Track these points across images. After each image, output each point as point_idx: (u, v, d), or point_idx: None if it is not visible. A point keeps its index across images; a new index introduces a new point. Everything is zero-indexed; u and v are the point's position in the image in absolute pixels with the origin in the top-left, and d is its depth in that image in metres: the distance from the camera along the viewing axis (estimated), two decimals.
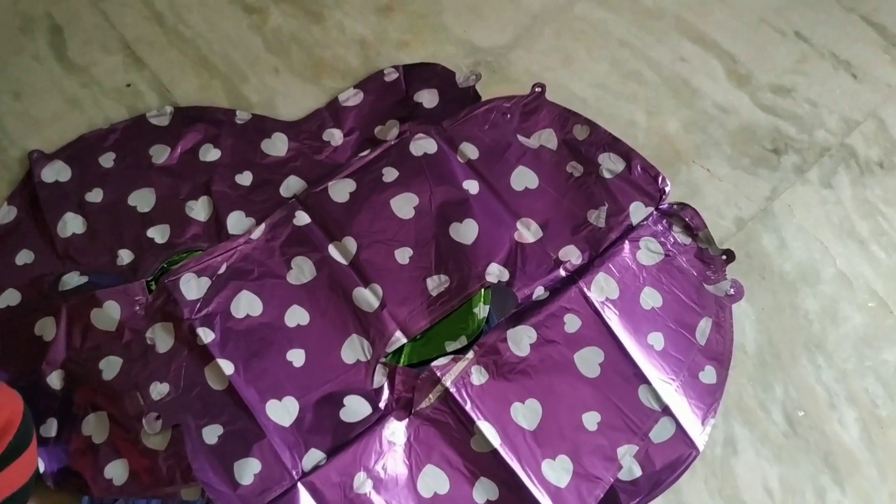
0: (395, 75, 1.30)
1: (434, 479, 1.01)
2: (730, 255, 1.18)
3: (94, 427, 1.01)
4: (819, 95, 1.37)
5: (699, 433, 1.08)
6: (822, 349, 1.17)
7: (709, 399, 1.10)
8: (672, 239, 1.18)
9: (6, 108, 1.24)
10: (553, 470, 1.03)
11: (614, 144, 1.24)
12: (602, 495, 1.03)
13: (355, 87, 1.29)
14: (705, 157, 1.30)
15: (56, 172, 1.18)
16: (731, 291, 1.16)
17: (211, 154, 1.20)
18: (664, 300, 1.13)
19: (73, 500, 0.99)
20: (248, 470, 0.97)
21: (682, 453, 1.07)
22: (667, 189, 1.20)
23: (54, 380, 1.03)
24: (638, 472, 1.05)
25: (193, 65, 1.30)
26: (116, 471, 0.99)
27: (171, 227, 1.14)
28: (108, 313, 1.05)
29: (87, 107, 1.25)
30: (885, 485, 1.09)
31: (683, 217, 1.19)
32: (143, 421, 1.00)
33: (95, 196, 1.17)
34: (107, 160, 1.19)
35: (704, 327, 1.13)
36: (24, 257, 1.12)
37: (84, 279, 1.10)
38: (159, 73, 1.29)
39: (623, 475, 1.05)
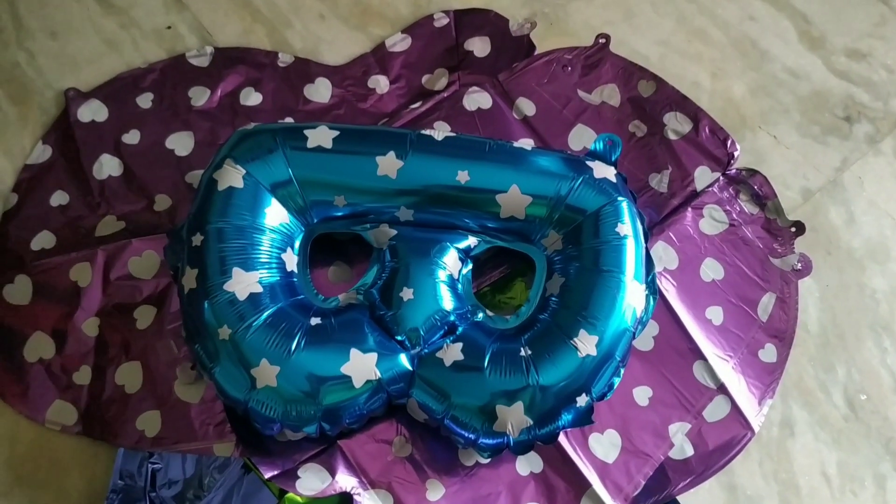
0: (445, 21, 1.23)
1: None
2: (799, 228, 1.11)
3: (127, 376, 0.98)
4: None
5: (755, 414, 1.03)
6: (889, 331, 1.11)
7: (767, 378, 1.04)
8: (738, 208, 1.11)
9: (42, 47, 1.19)
10: (600, 444, 0.99)
11: (682, 103, 1.17)
12: (651, 473, 0.98)
13: (403, 31, 1.23)
14: (772, 123, 1.22)
15: (92, 112, 1.13)
16: (799, 266, 1.09)
17: (252, 98, 1.15)
18: (726, 273, 1.07)
19: (109, 451, 0.96)
20: (283, 433, 0.94)
21: (736, 434, 1.01)
22: (736, 154, 1.13)
23: (89, 327, 1.00)
24: (690, 452, 1.00)
25: (236, 8, 1.24)
26: (148, 422, 0.96)
27: None
28: (147, 261, 1.01)
29: (125, 49, 1.19)
30: None
31: (752, 185, 1.12)
32: (178, 370, 0.97)
33: (132, 138, 1.12)
34: (144, 101, 1.15)
35: (767, 303, 1.07)
36: (58, 198, 1.08)
37: (121, 224, 1.06)
38: (200, 16, 1.23)
39: (674, 453, 1.00)
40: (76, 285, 1.02)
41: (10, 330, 1.01)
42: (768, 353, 1.05)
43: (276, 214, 0.95)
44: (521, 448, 0.90)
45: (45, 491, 0.96)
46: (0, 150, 1.12)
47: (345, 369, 0.88)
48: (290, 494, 0.91)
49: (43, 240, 1.05)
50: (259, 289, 0.90)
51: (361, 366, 0.88)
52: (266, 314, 0.89)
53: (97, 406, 0.97)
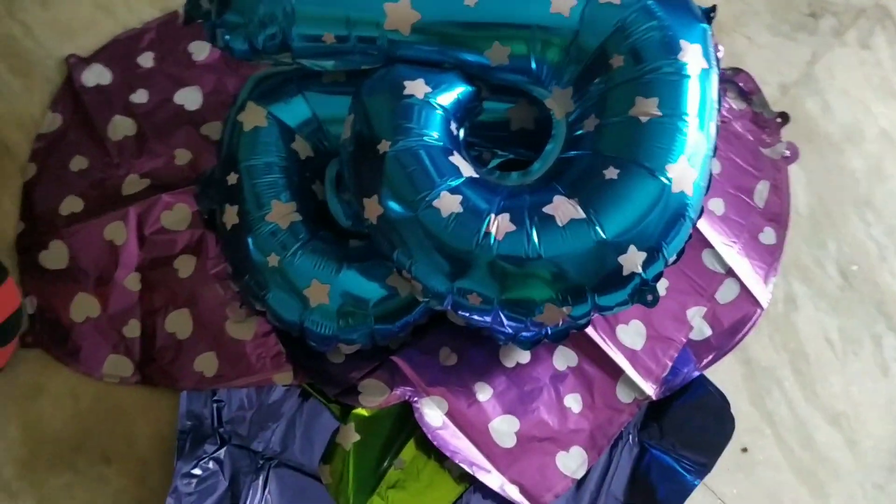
0: None
1: (516, 350, 1.04)
2: (784, 118, 1.19)
3: (177, 324, 1.02)
4: None
5: (762, 291, 1.11)
6: (870, 206, 1.21)
7: (769, 258, 1.13)
8: (727, 105, 1.18)
9: (35, 17, 1.19)
10: (627, 334, 1.06)
11: None
12: (676, 355, 1.07)
13: None
14: (745, 25, 1.30)
15: (97, 76, 1.15)
16: (787, 153, 1.18)
17: None
18: (722, 166, 1.15)
19: (171, 396, 1.01)
20: (338, 350, 0.99)
21: (747, 311, 1.10)
22: (719, 54, 1.20)
23: (131, 282, 1.04)
24: (708, 332, 1.09)
25: None
26: (205, 363, 1.00)
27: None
28: (178, 214, 1.05)
29: (118, 11, 1.20)
30: None
31: (737, 82, 1.20)
32: (227, 310, 1.01)
33: (140, 97, 1.14)
34: (146, 60, 1.16)
35: (762, 190, 1.15)
36: (78, 163, 1.10)
37: (146, 182, 1.08)
38: None
39: (694, 335, 1.08)
40: (112, 244, 1.05)
41: (52, 294, 1.04)
42: (768, 236, 1.14)
43: (302, 149, 0.99)
44: (558, 336, 0.96)
45: (115, 439, 1.00)
46: (12, 123, 1.13)
47: (390, 281, 0.93)
48: (356, 410, 0.97)
49: (71, 204, 1.07)
50: (298, 217, 0.95)
51: None
52: (309, 239, 0.94)
53: (151, 355, 1.01)
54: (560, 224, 0.85)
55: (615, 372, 1.05)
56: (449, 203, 0.86)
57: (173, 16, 1.19)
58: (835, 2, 1.33)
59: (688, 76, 0.89)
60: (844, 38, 1.31)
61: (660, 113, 0.87)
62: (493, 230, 0.85)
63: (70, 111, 1.13)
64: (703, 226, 1.11)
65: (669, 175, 0.86)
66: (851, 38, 1.31)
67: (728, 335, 1.09)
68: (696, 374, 1.07)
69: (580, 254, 0.84)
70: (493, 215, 0.85)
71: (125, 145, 1.11)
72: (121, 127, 1.12)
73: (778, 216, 1.15)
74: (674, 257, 0.89)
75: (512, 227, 0.85)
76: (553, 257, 0.84)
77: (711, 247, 1.11)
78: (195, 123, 1.12)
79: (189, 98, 1.14)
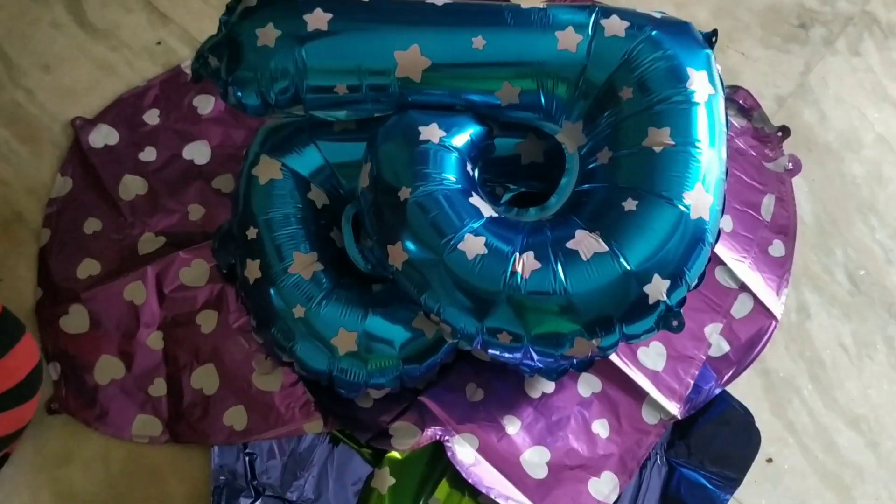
0: None
1: (541, 381, 1.05)
2: (785, 131, 1.21)
3: (204, 379, 1.03)
4: None
5: (776, 304, 1.13)
6: (873, 210, 1.23)
7: (780, 270, 1.15)
8: (728, 122, 1.20)
9: (38, 82, 1.20)
10: (648, 356, 1.08)
11: None
12: (697, 373, 1.08)
13: None
14: (738, 41, 1.32)
15: (104, 136, 1.15)
16: (790, 166, 1.20)
17: None
18: (728, 184, 1.16)
19: (202, 452, 1.01)
20: (367, 395, 1.00)
21: (763, 325, 1.12)
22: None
23: (154, 341, 1.04)
24: (726, 347, 1.10)
25: (219, 11, 1.26)
26: (235, 417, 1.01)
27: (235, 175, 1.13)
28: (197, 270, 1.06)
29: (121, 70, 1.21)
30: None
31: (736, 100, 1.22)
32: (253, 363, 1.02)
33: (149, 155, 1.15)
34: (151, 117, 1.17)
35: (768, 204, 1.17)
36: (92, 225, 1.10)
37: (161, 240, 1.09)
38: (186, 26, 1.25)
39: (713, 352, 1.10)
40: (132, 304, 1.05)
41: (76, 358, 1.04)
42: (777, 248, 1.16)
43: (318, 197, 1.00)
44: (584, 365, 0.97)
45: (149, 501, 1.00)
46: (22, 190, 1.13)
47: (416, 324, 0.94)
48: (389, 453, 0.98)
49: (88, 267, 1.08)
50: (320, 266, 0.96)
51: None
52: (332, 288, 0.95)
53: (180, 413, 1.02)
54: (584, 258, 0.86)
55: (639, 395, 1.06)
56: (473, 245, 0.87)
57: (176, 71, 1.20)
58: (823, 11, 1.36)
59: (696, 104, 0.91)
60: (835, 47, 1.34)
61: (672, 142, 0.89)
62: (519, 269, 0.86)
63: (80, 174, 1.13)
64: None
65: (687, 202, 0.87)
66: (842, 46, 1.34)
67: (746, 349, 1.11)
68: (718, 390, 1.08)
69: (606, 286, 0.86)
70: (517, 254, 0.87)
71: (137, 204, 1.11)
72: (132, 186, 1.12)
73: (785, 228, 1.17)
74: (696, 282, 0.91)
75: (537, 265, 0.86)
76: (580, 291, 0.86)
77: (723, 263, 1.13)
78: (206, 177, 1.13)
79: (197, 152, 1.15)
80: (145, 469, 1.01)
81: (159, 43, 1.23)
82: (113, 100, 1.18)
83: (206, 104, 1.18)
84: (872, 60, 1.32)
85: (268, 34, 0.91)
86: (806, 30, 1.34)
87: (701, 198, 0.89)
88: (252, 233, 0.97)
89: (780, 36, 1.33)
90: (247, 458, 0.99)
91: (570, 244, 0.87)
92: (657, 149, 0.89)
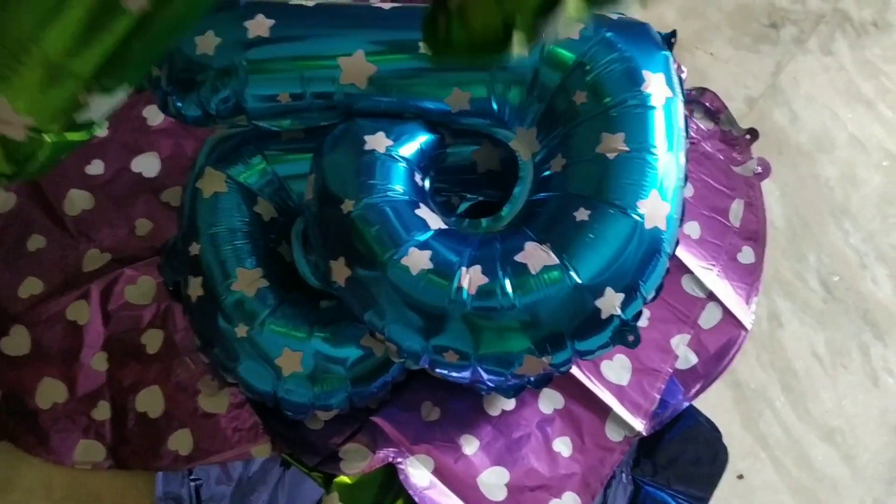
0: None
1: (500, 398, 1.01)
2: (753, 134, 1.18)
3: (148, 402, 0.99)
4: None
5: (745, 313, 1.10)
6: (847, 213, 1.19)
7: (750, 278, 1.11)
8: (695, 125, 1.17)
9: None
10: (612, 370, 1.04)
11: None
12: (664, 387, 1.04)
13: None
14: (707, 41, 1.29)
15: None
16: (759, 170, 1.16)
17: None
18: (695, 188, 1.13)
19: (147, 478, 0.97)
20: (316, 417, 0.96)
21: (732, 335, 1.08)
22: (683, 76, 1.18)
23: (98, 362, 1.00)
24: (694, 360, 1.07)
25: None
26: (180, 441, 0.97)
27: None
28: (142, 287, 1.02)
29: None
30: None
31: (703, 102, 1.18)
32: (199, 384, 0.98)
33: (96, 168, 1.11)
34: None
35: (737, 209, 1.14)
36: (35, 242, 1.07)
37: (107, 256, 1.05)
38: None
39: (680, 364, 1.06)
40: (75, 324, 1.01)
41: (16, 382, 1.00)
42: (746, 255, 1.12)
43: (265, 210, 0.96)
44: (542, 381, 0.93)
45: None
46: None
47: (365, 342, 0.91)
48: (339, 478, 0.94)
49: (30, 286, 1.04)
50: (265, 283, 0.92)
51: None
52: (277, 305, 0.91)
53: (124, 437, 0.98)
54: (533, 272, 0.82)
55: (603, 410, 1.02)
56: (418, 259, 0.83)
57: None
58: (794, 10, 1.32)
59: (653, 107, 0.87)
60: (806, 46, 1.30)
61: (627, 148, 0.85)
62: (465, 284, 0.82)
63: (24, 189, 1.09)
64: (680, 251, 1.09)
65: (641, 211, 0.84)
66: (813, 45, 1.30)
67: (714, 361, 1.07)
68: (686, 404, 1.05)
69: (556, 301, 0.82)
70: (464, 268, 0.83)
71: (83, 219, 1.08)
72: (78, 201, 1.09)
73: (755, 234, 1.13)
74: (653, 294, 0.87)
75: (484, 280, 0.82)
76: (528, 307, 0.82)
77: (690, 272, 1.09)
78: (154, 191, 1.09)
79: (146, 165, 1.11)
80: (88, 496, 0.97)
81: None
82: None
83: (155, 115, 1.14)
84: (845, 59, 1.29)
85: (207, 42, 0.88)
86: (777, 29, 1.30)
87: (656, 206, 0.85)
88: (195, 248, 0.93)
89: (751, 36, 1.30)
90: (192, 485, 0.96)
91: (518, 257, 0.83)
92: (611, 155, 0.86)
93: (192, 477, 0.96)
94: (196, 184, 0.96)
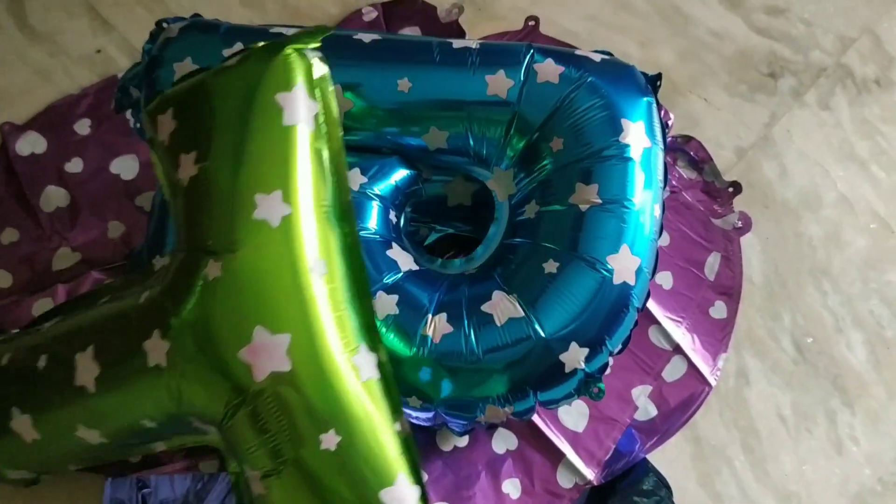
0: (374, 14, 1.25)
1: (452, 434, 1.01)
2: (737, 187, 1.16)
3: None
4: (813, 14, 1.34)
5: (711, 369, 1.08)
6: (827, 275, 1.17)
7: (719, 334, 1.10)
8: (677, 174, 1.16)
9: None
10: (570, 415, 1.03)
11: None
12: (619, 437, 1.04)
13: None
14: (702, 86, 1.27)
15: (31, 144, 1.12)
16: (739, 224, 1.15)
17: None
18: (671, 238, 1.12)
19: (95, 483, 0.97)
20: None
21: (695, 390, 1.07)
22: (670, 122, 1.17)
23: None
24: (654, 412, 1.06)
25: None
26: None
27: None
28: None
29: (57, 77, 1.18)
30: (893, 403, 1.11)
31: (688, 151, 1.17)
32: None
33: (75, 166, 1.11)
34: (82, 127, 1.14)
35: (713, 262, 1.12)
36: (9, 236, 1.07)
37: (77, 256, 1.06)
38: (128, 35, 1.22)
39: (639, 415, 1.05)
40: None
41: None
42: (718, 310, 1.11)
43: None
44: (494, 424, 0.93)
45: None
46: None
47: None
48: None
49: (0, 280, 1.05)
50: None
51: None
52: None
53: None
54: (498, 323, 0.83)
55: (556, 456, 1.01)
56: (385, 304, 0.84)
57: (112, 81, 1.17)
58: (795, 61, 1.30)
59: (630, 159, 0.86)
60: (804, 99, 1.28)
61: (600, 200, 0.85)
62: (429, 332, 0.83)
63: (3, 181, 1.10)
64: (650, 301, 1.08)
65: (610, 266, 0.83)
66: (811, 99, 1.28)
67: (675, 415, 1.06)
68: (642, 456, 1.04)
69: (519, 353, 0.83)
70: (430, 316, 0.84)
71: (57, 217, 1.08)
72: (54, 198, 1.09)
73: (729, 289, 1.12)
74: (619, 347, 0.87)
75: (449, 329, 0.83)
76: (492, 358, 0.83)
77: (658, 322, 1.08)
78: (130, 194, 1.10)
79: (125, 167, 1.12)
80: (35, 497, 0.98)
81: (99, 51, 1.20)
82: (45, 106, 1.15)
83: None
84: (842, 116, 1.27)
85: (185, 69, 0.88)
86: (775, 79, 1.29)
87: (626, 261, 0.84)
88: (159, 262, 0.93)
89: (747, 83, 1.28)
90: (140, 494, 0.96)
91: (485, 307, 0.84)
92: (583, 207, 0.85)
93: (139, 484, 0.96)
94: (164, 196, 0.96)
